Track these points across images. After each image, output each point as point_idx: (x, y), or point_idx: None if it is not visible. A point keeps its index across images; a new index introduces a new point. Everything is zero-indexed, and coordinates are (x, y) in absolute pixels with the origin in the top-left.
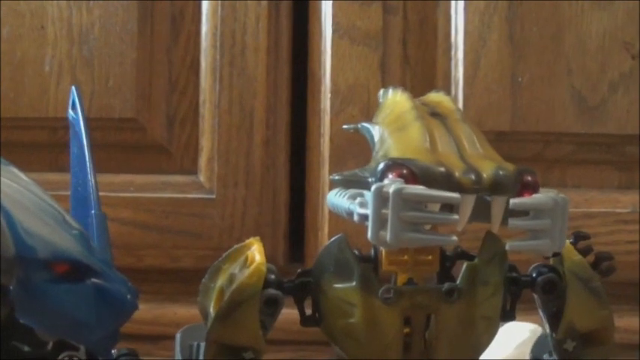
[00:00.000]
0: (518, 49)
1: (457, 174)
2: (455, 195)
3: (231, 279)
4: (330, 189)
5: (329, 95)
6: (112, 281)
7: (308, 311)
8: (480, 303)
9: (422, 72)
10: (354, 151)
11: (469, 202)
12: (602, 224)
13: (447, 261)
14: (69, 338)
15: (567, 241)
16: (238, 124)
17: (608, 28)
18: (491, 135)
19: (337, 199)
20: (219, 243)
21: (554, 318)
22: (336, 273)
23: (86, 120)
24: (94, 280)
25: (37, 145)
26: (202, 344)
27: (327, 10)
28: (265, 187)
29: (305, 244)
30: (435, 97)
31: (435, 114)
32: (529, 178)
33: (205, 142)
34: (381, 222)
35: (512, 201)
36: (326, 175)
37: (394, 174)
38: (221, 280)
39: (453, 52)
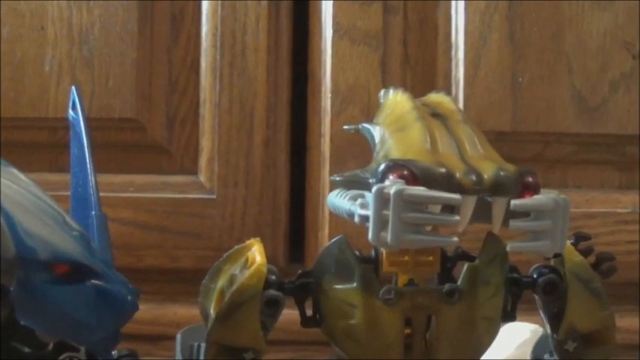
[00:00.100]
0: (519, 48)
1: (458, 175)
2: (456, 196)
3: (231, 280)
4: (331, 189)
5: (329, 95)
6: (112, 282)
7: (309, 312)
8: (480, 304)
9: (422, 72)
10: (355, 152)
11: (470, 203)
12: (602, 224)
13: (447, 262)
14: (69, 339)
15: (568, 242)
16: (238, 124)
17: (608, 28)
18: (492, 135)
19: (338, 200)
20: (219, 243)
21: (555, 319)
22: (336, 274)
23: (86, 120)
24: (94, 281)
25: (37, 145)
26: (203, 345)
27: (327, 10)
28: (265, 188)
29: (305, 245)
30: (436, 97)
31: (436, 115)
32: (530, 179)
33: (205, 142)
34: (381, 223)
35: (513, 202)
36: (326, 175)
37: (395, 175)
38: (222, 281)
39: (453, 52)
